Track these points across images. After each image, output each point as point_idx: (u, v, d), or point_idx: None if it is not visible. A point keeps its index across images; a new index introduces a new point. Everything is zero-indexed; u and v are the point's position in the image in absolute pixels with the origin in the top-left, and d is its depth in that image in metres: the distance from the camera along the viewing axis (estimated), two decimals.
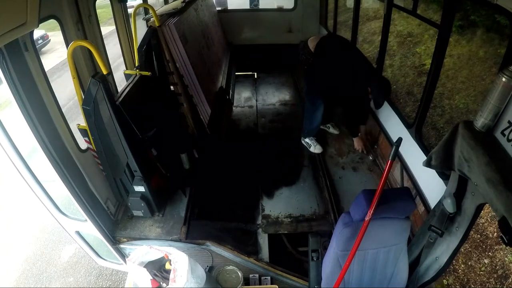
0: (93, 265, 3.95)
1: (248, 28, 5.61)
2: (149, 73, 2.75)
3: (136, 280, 2.02)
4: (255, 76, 5.81)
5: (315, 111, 3.37)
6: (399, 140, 1.46)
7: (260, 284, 2.45)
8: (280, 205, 3.02)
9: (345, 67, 2.87)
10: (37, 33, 10.40)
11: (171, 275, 1.85)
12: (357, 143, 3.53)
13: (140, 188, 2.56)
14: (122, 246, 2.66)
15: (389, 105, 3.05)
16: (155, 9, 3.23)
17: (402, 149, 2.55)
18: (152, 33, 2.86)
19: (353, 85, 2.83)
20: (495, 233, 3.83)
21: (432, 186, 2.20)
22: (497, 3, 1.43)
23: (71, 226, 2.53)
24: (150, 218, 2.76)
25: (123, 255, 2.72)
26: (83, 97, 2.12)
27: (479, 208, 1.49)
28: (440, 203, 1.68)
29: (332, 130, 3.87)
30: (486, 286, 3.51)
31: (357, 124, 3.49)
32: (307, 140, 3.64)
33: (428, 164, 1.63)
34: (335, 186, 3.14)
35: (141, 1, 3.60)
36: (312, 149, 3.59)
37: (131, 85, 2.58)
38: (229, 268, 2.43)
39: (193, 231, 2.65)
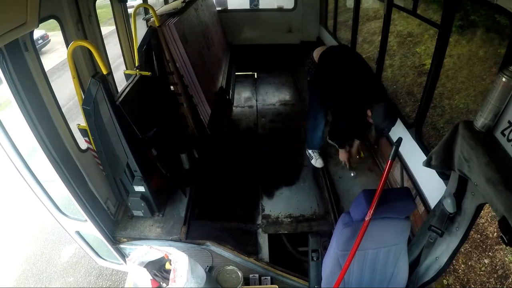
0: (93, 265, 3.95)
1: (248, 28, 5.62)
2: (149, 73, 2.75)
3: (136, 280, 2.02)
4: (255, 76, 5.81)
5: (315, 126, 3.21)
6: (399, 140, 1.46)
7: (260, 284, 2.44)
8: (280, 205, 3.02)
9: (347, 82, 2.61)
10: (37, 33, 10.40)
11: (171, 275, 1.85)
12: (342, 155, 3.25)
13: (140, 188, 2.56)
14: (122, 246, 2.66)
15: None
16: (155, 9, 3.23)
17: (402, 149, 2.55)
18: (152, 33, 2.86)
19: (355, 101, 2.55)
20: (495, 233, 3.83)
21: (432, 186, 2.20)
22: (497, 3, 1.43)
23: (71, 226, 2.53)
24: (150, 218, 2.76)
25: (123, 255, 2.72)
26: (83, 97, 2.12)
27: (479, 208, 1.49)
28: (440, 203, 1.68)
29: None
30: (486, 286, 3.51)
31: (348, 138, 3.28)
32: (310, 151, 3.48)
33: (428, 164, 1.63)
34: (335, 186, 3.14)
35: (141, 1, 3.60)
36: (313, 162, 3.41)
37: (131, 85, 2.58)
38: (229, 268, 2.43)
39: (193, 231, 2.66)
